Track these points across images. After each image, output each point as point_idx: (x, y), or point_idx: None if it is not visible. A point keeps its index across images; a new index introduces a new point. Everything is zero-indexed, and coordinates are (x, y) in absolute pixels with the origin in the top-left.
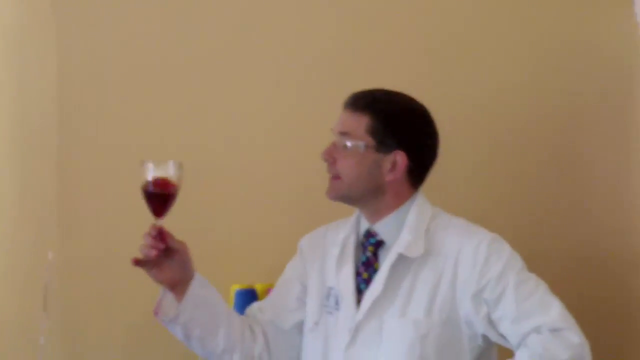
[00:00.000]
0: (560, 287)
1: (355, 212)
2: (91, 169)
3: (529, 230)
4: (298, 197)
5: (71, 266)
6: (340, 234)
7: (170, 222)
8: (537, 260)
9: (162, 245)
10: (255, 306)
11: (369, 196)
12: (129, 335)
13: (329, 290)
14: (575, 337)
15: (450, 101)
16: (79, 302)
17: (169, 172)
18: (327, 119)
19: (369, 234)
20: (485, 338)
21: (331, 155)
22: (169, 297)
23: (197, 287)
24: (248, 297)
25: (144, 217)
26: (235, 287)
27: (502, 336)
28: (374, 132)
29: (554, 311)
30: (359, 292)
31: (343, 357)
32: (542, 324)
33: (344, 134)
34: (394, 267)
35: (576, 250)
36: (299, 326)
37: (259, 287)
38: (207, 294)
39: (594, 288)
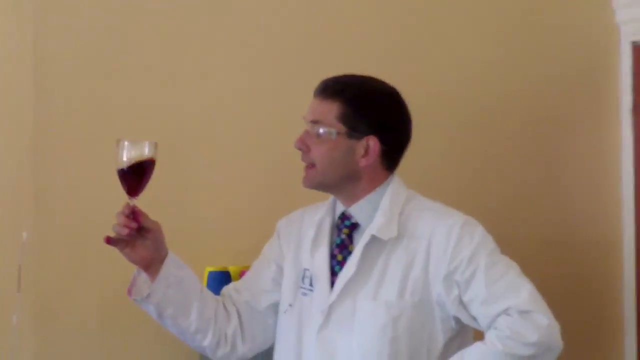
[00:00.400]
0: (532, 270)
1: (331, 195)
2: (65, 148)
3: (503, 215)
4: (273, 179)
5: (45, 246)
6: (316, 216)
7: (144, 204)
8: (510, 244)
9: (134, 224)
10: (231, 286)
11: (344, 182)
12: (103, 315)
13: (304, 271)
14: (543, 319)
15: (424, 83)
16: (53, 282)
17: (144, 151)
18: (304, 102)
19: (344, 217)
20: (457, 320)
21: (304, 144)
22: (143, 276)
23: (171, 267)
24: (221, 279)
25: (119, 197)
26: (209, 269)
27: (474, 318)
28: (344, 118)
29: (524, 293)
30: (334, 274)
31: (316, 338)
32: (512, 306)
33: (315, 122)
34: (367, 249)
35: (550, 234)
36: (274, 307)
37: (232, 269)
38: (181, 274)
39: (567, 271)
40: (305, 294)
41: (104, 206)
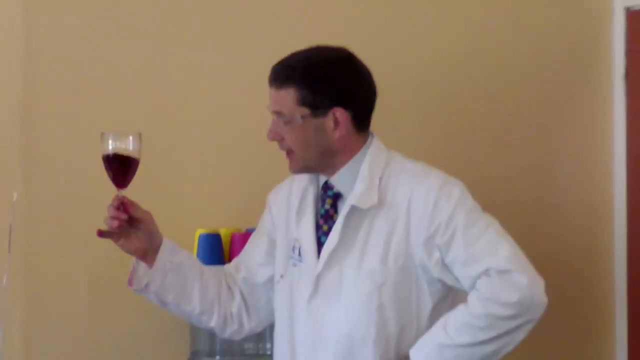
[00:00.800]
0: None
1: None
2: (56, 108)
3: (496, 184)
4: (264, 142)
5: (35, 208)
6: (301, 186)
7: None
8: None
9: (124, 216)
10: (231, 265)
11: (326, 160)
12: (92, 277)
13: (294, 241)
14: (523, 278)
15: (410, 59)
16: (43, 244)
17: (128, 145)
18: None
19: (327, 187)
20: (444, 283)
21: (276, 134)
22: (142, 266)
23: (166, 254)
24: (212, 241)
25: None
26: (200, 232)
27: (458, 280)
28: (304, 101)
29: (502, 253)
30: (320, 244)
31: (306, 309)
32: (490, 267)
33: (278, 112)
34: (349, 218)
35: (541, 203)
36: (272, 280)
37: (223, 231)
38: (178, 259)
39: (558, 247)
40: (295, 265)
41: (94, 167)
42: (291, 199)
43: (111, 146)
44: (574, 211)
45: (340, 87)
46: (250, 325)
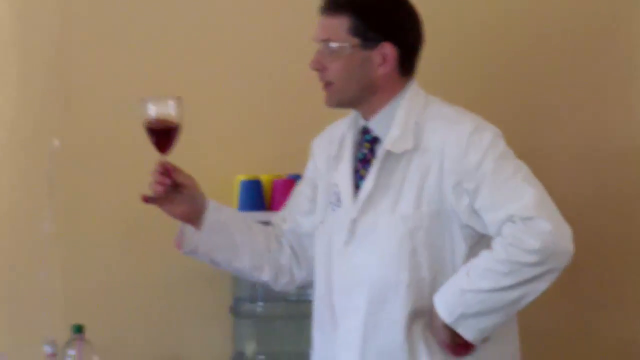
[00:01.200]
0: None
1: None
2: (95, 56)
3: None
4: (305, 87)
5: (75, 154)
6: (339, 131)
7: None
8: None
9: (168, 181)
10: (279, 216)
11: (364, 95)
12: (131, 223)
13: (334, 187)
14: (547, 225)
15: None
16: (82, 189)
17: (169, 110)
18: None
19: (365, 131)
20: (472, 228)
21: (319, 63)
22: (189, 228)
23: (212, 214)
24: (252, 187)
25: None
26: (240, 178)
27: (486, 226)
28: (356, 30)
29: (527, 199)
30: (358, 189)
31: (342, 253)
32: (515, 213)
33: (327, 40)
34: (384, 163)
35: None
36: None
37: (264, 177)
38: (223, 218)
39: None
40: (334, 210)
41: (133, 114)
42: (331, 144)
43: (152, 112)
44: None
45: (394, 22)
46: (301, 275)
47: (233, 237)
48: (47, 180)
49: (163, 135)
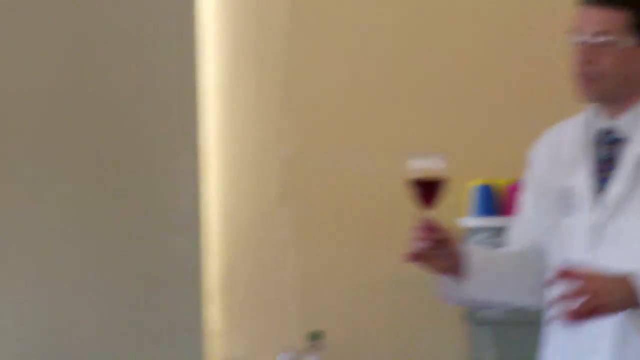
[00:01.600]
0: None
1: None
2: (327, 63)
3: None
4: (539, 89)
5: (307, 160)
6: (570, 133)
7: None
8: None
9: (431, 238)
10: (512, 239)
11: (625, 93)
12: (364, 229)
13: (565, 191)
14: None
15: None
16: (315, 197)
17: (436, 165)
18: None
19: (607, 131)
20: None
21: (591, 56)
22: (446, 280)
23: (473, 262)
24: (484, 193)
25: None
26: (473, 183)
27: None
28: (637, 27)
29: None
30: (596, 192)
31: (584, 259)
32: None
33: (600, 33)
34: (638, 165)
35: None
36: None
37: (501, 182)
38: (484, 264)
39: None
40: (568, 215)
41: (363, 122)
42: (555, 148)
43: (419, 168)
44: None
45: None
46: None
47: (494, 278)
48: (280, 187)
49: (429, 190)
